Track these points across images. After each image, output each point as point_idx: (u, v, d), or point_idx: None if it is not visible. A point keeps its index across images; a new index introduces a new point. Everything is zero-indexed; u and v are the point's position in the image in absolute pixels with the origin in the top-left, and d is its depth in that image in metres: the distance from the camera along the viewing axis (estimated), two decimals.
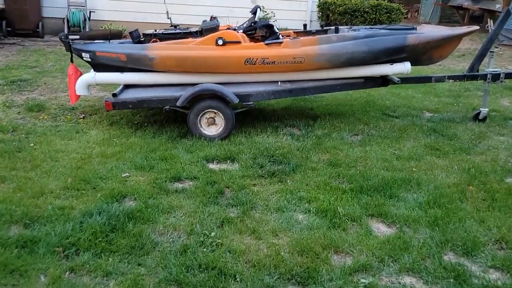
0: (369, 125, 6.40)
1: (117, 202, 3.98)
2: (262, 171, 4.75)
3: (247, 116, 6.36)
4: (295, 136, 5.82)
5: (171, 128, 6.00)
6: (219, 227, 3.68)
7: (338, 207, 4.01)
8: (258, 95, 5.74)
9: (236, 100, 5.51)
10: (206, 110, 5.56)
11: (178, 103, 5.48)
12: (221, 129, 5.62)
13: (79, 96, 6.20)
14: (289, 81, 6.04)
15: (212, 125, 5.63)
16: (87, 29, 12.50)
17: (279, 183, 4.52)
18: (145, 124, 6.17)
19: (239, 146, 5.40)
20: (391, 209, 4.06)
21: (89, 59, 5.95)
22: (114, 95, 5.61)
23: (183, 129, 5.91)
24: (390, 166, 4.99)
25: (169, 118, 6.32)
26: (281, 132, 5.92)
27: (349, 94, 7.89)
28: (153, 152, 5.15)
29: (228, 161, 5.00)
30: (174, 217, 3.82)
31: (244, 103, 5.69)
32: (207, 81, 5.90)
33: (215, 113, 5.60)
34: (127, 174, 4.59)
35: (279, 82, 5.92)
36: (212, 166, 4.91)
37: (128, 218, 3.66)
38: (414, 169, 4.94)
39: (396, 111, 7.18)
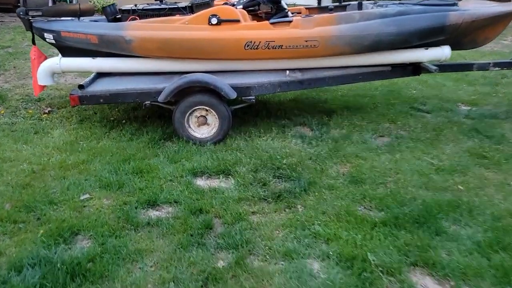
0: (396, 123, 5.24)
1: (63, 244, 2.91)
2: (264, 191, 3.64)
3: (247, 112, 5.23)
4: (306, 138, 4.68)
5: (154, 126, 4.89)
6: (201, 287, 2.60)
7: (368, 253, 2.91)
8: (261, 88, 4.59)
9: (233, 95, 4.37)
10: (196, 107, 4.43)
11: (160, 98, 4.36)
12: (214, 130, 4.50)
13: (44, 86, 5.06)
14: (299, 70, 4.88)
15: (203, 125, 4.50)
16: (65, 4, 11.25)
17: (287, 210, 3.42)
18: (123, 121, 5.05)
19: (236, 153, 4.28)
20: (440, 253, 2.97)
21: (53, 41, 4.81)
22: (81, 87, 4.48)
23: (168, 129, 4.80)
24: (430, 182, 3.87)
25: (153, 113, 5.20)
26: (289, 134, 4.79)
27: (369, 82, 6.67)
28: (126, 162, 4.05)
29: (221, 176, 3.89)
30: (139, 268, 2.74)
31: (243, 98, 4.55)
32: (197, 69, 4.76)
33: (206, 110, 4.47)
34: (87, 195, 3.51)
35: (287, 72, 4.76)
36: (200, 182, 3.81)
37: (72, 275, 2.58)
38: (461, 187, 3.81)
39: (426, 103, 6.00)
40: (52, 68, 4.87)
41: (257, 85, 4.57)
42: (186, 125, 4.47)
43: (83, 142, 4.49)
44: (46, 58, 5.09)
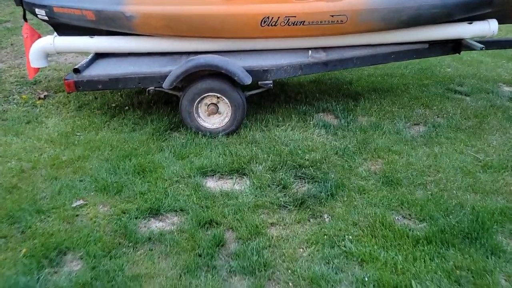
0: (431, 108, 4.65)
1: (49, 267, 2.46)
2: (285, 196, 3.14)
3: (263, 96, 4.68)
4: (330, 128, 4.13)
5: (160, 114, 4.37)
6: None
7: (412, 280, 2.40)
8: (279, 71, 4.02)
9: (248, 80, 3.82)
10: (206, 94, 3.89)
11: (164, 85, 3.82)
12: (226, 120, 3.97)
13: (38, 68, 4.55)
14: (323, 49, 4.29)
15: (214, 114, 3.97)
16: None
17: (312, 221, 2.92)
18: (125, 108, 4.54)
19: (251, 146, 3.76)
20: (498, 279, 2.45)
21: (45, 17, 4.26)
22: (77, 71, 3.96)
23: (175, 117, 4.28)
24: (477, 184, 3.32)
25: (159, 98, 4.68)
26: (311, 122, 4.23)
27: None
28: (127, 158, 3.56)
29: (234, 176, 3.39)
30: None
31: (259, 82, 3.98)
32: (208, 49, 4.20)
33: (218, 98, 3.93)
34: (80, 202, 3.04)
35: (310, 52, 4.16)
36: (210, 184, 3.31)
37: None
38: None
39: (463, 84, 5.36)
40: (45, 48, 4.34)
41: (275, 67, 4.00)
42: (195, 115, 3.94)
43: (80, 133, 4.01)
44: (39, 36, 4.55)
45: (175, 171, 3.38)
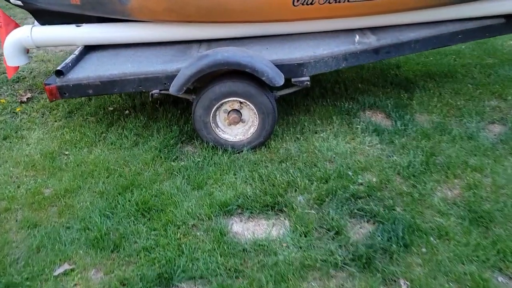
0: (506, 98, 3.72)
1: None
2: (341, 247, 2.32)
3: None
4: (384, 134, 3.24)
5: (168, 120, 3.53)
6: None
7: None
8: (318, 64, 3.10)
9: (280, 81, 2.93)
10: (226, 100, 3.01)
11: (172, 91, 2.95)
12: (252, 130, 3.11)
13: (18, 66, 3.69)
14: (372, 32, 3.35)
15: (236, 123, 3.09)
16: None
17: None
18: (125, 112, 3.69)
19: (286, 166, 2.92)
20: None
21: (19, 2, 3.38)
22: (59, 73, 3.09)
23: (187, 124, 3.44)
24: None
25: (166, 96, 3.79)
26: (358, 126, 3.35)
27: None
28: (127, 190, 2.75)
29: (269, 214, 2.55)
30: None
31: (293, 80, 3.09)
32: (224, 35, 3.32)
33: (241, 103, 3.05)
34: (65, 266, 2.26)
35: (357, 36, 3.21)
36: (237, 228, 2.49)
37: None
38: None
39: None
40: (21, 41, 3.47)
41: (312, 59, 3.08)
42: (212, 125, 3.08)
43: (69, 151, 3.18)
44: (16, 26, 3.67)
45: (190, 210, 2.56)
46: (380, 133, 3.25)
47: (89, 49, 3.52)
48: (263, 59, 2.94)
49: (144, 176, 2.88)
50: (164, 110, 3.64)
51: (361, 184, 2.77)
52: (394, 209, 2.53)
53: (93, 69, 3.19)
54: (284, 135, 3.28)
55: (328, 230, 2.42)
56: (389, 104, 3.61)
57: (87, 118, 3.60)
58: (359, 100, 3.71)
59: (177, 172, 2.91)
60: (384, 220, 2.45)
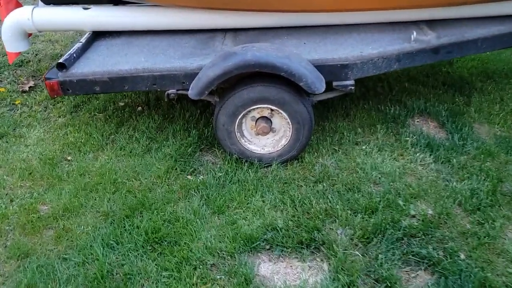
0: None
1: None
2: None
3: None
4: (440, 150, 2.75)
5: (186, 121, 3.09)
6: None
7: None
8: (366, 66, 2.60)
9: (321, 87, 2.44)
10: (254, 107, 2.53)
11: (191, 94, 2.49)
12: (284, 142, 2.64)
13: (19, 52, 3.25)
14: (429, 26, 2.80)
15: (265, 134, 2.62)
16: None
17: None
18: (138, 109, 3.24)
19: (323, 188, 2.46)
20: None
21: None
22: (62, 66, 2.64)
23: (207, 128, 2.99)
24: None
25: (184, 95, 3.33)
26: (408, 139, 2.85)
27: None
28: (136, 212, 2.33)
29: (303, 254, 2.12)
30: None
31: (335, 84, 2.59)
32: (254, 24, 2.82)
33: (272, 110, 2.57)
34: None
35: (414, 33, 2.67)
36: (265, 271, 2.07)
37: None
38: None
39: None
40: (21, 24, 3.02)
41: (359, 60, 2.57)
42: (237, 134, 2.62)
43: (71, 157, 2.77)
44: (18, 5, 3.22)
45: (209, 244, 2.13)
46: (434, 149, 2.75)
47: (97, 35, 3.06)
48: (302, 60, 2.44)
49: (156, 194, 2.46)
50: (182, 108, 3.19)
51: (414, 216, 2.30)
52: (457, 255, 2.06)
53: (100, 62, 2.73)
54: (320, 146, 2.80)
55: (377, 282, 1.97)
56: (443, 111, 3.09)
57: (94, 115, 3.17)
58: (406, 104, 3.19)
59: (194, 190, 2.48)
60: (447, 272, 1.99)
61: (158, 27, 2.98)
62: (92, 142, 2.88)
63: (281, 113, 2.55)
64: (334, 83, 2.60)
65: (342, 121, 3.05)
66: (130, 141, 2.89)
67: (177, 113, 3.15)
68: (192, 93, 2.45)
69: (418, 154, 2.71)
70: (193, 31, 2.99)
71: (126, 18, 2.96)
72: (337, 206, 2.33)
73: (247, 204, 2.38)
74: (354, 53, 2.58)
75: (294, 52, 2.52)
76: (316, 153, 2.75)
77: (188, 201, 2.41)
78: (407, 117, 3.07)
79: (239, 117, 2.55)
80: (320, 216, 2.28)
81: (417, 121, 3.06)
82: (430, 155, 2.71)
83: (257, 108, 2.54)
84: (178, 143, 2.84)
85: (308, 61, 2.47)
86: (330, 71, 2.56)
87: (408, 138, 2.84)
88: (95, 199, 2.44)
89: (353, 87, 2.59)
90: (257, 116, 2.60)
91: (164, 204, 2.39)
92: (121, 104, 3.28)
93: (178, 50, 2.80)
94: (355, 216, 2.28)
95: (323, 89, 2.44)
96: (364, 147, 2.80)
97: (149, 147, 2.84)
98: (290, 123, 2.56)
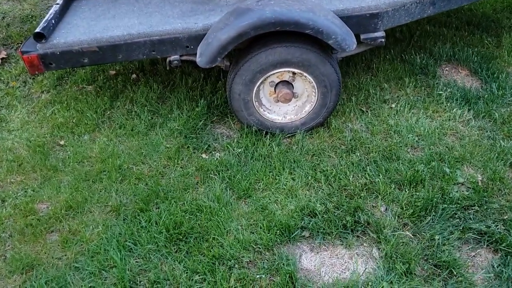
0: None
1: None
2: None
3: None
4: (478, 103, 2.48)
5: (190, 88, 2.72)
6: None
7: None
8: (398, 13, 2.25)
9: (352, 45, 2.09)
10: (275, 71, 2.18)
11: (200, 62, 2.11)
12: (308, 108, 2.33)
13: None
14: None
15: (287, 101, 2.29)
16: None
17: None
18: (132, 77, 2.85)
19: (357, 159, 2.20)
20: None
21: None
22: (40, 36, 2.21)
23: (218, 94, 2.63)
24: None
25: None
26: (442, 93, 2.56)
27: None
28: (151, 203, 2.03)
29: (348, 240, 1.87)
30: None
31: (362, 37, 2.24)
32: None
33: (294, 74, 2.22)
34: None
35: None
36: (307, 263, 1.83)
37: None
38: None
39: None
40: None
41: (391, 7, 2.21)
42: (255, 104, 2.28)
43: (65, 140, 2.41)
44: None
45: (241, 237, 1.87)
46: (472, 103, 2.47)
47: None
48: (328, 13, 2.07)
49: (170, 179, 2.16)
50: (182, 73, 2.81)
51: (462, 184, 2.06)
52: None
53: (85, 27, 2.31)
54: (345, 107, 2.50)
55: (437, 267, 1.75)
56: (473, 56, 2.78)
57: (83, 88, 2.78)
58: (432, 51, 2.87)
59: (213, 172, 2.18)
60: (508, 246, 1.77)
61: None
62: (86, 122, 2.51)
63: (305, 76, 2.21)
64: (362, 36, 2.25)
65: (365, 75, 2.73)
66: (129, 117, 2.53)
67: (178, 79, 2.78)
68: (202, 60, 2.08)
69: (455, 110, 2.44)
70: None
71: None
72: (377, 179, 2.07)
73: (275, 184, 2.10)
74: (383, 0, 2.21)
75: (317, 3, 2.14)
76: (342, 117, 2.45)
77: (209, 186, 2.12)
78: (435, 66, 2.76)
79: (257, 84, 2.20)
80: (361, 193, 2.02)
81: (446, 70, 2.76)
82: (469, 109, 2.44)
83: (277, 72, 2.19)
84: (185, 116, 2.49)
85: (334, 14, 2.10)
86: (358, 23, 2.20)
87: (441, 92, 2.54)
88: (101, 192, 2.12)
89: (383, 40, 2.25)
90: (277, 80, 2.26)
91: (182, 192, 2.09)
92: (112, 72, 2.88)
93: (175, 6, 2.39)
94: (400, 190, 2.03)
95: (355, 46, 2.09)
96: (394, 105, 2.50)
97: (153, 123, 2.49)
98: (315, 87, 2.23)
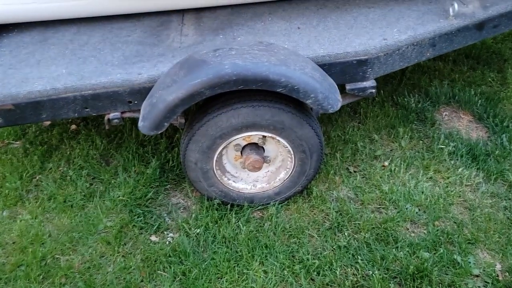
0: None
1: None
2: None
3: None
4: (488, 161, 2.05)
5: (140, 143, 2.24)
6: None
7: None
8: (391, 58, 1.81)
9: (336, 104, 1.63)
10: (239, 136, 1.71)
11: (143, 128, 1.62)
12: (283, 175, 1.89)
13: None
14: None
15: (256, 169, 1.82)
16: None
17: None
18: (72, 128, 2.36)
19: (344, 241, 1.76)
20: None
21: None
22: None
23: (174, 152, 2.16)
24: None
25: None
26: (444, 148, 2.13)
27: None
28: None
29: None
30: None
31: (348, 87, 1.79)
32: (222, 1, 1.96)
33: (264, 137, 1.76)
34: None
35: (454, 4, 1.87)
36: None
37: None
38: None
39: None
40: None
41: (383, 52, 1.78)
42: (216, 172, 1.81)
43: None
44: None
45: None
46: (480, 160, 2.05)
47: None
48: (306, 64, 1.62)
49: (107, 276, 1.67)
50: (132, 123, 2.32)
51: (478, 276, 1.63)
52: None
53: (0, 78, 1.82)
54: (328, 167, 2.06)
55: None
56: (477, 98, 2.38)
57: (9, 144, 2.27)
58: (428, 91, 2.46)
59: (163, 264, 1.70)
60: None
61: (86, 12, 2.06)
62: (7, 191, 2.01)
63: (278, 140, 1.75)
64: (348, 86, 1.81)
65: (351, 123, 2.29)
66: (63, 184, 2.04)
67: (127, 130, 2.29)
68: (144, 126, 1.61)
69: (461, 170, 2.02)
70: (137, 15, 2.09)
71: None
72: (372, 274, 1.62)
73: (243, 281, 1.64)
74: (375, 42, 1.78)
75: (292, 50, 1.69)
76: (325, 181, 2.01)
77: (156, 285, 1.64)
78: (433, 111, 2.34)
79: (218, 151, 1.74)
80: None
81: (446, 115, 2.35)
82: (477, 169, 2.02)
83: (243, 136, 1.73)
84: (132, 182, 2.01)
85: (313, 64, 1.65)
86: (343, 71, 1.77)
87: (443, 146, 2.12)
88: None
89: (374, 90, 1.82)
90: (243, 143, 1.80)
91: None
92: (47, 123, 2.38)
93: (117, 48, 1.91)
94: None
95: (340, 105, 1.65)
96: (386, 163, 2.07)
97: (92, 191, 2.00)
98: (292, 152, 1.77)
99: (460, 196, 1.92)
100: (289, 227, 1.82)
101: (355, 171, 2.06)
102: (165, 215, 1.91)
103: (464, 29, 1.91)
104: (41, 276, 1.68)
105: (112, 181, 2.04)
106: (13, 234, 1.83)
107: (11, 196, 1.98)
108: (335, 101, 1.62)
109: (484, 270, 1.64)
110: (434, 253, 1.68)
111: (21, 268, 1.71)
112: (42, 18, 2.08)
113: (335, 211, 1.87)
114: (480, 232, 1.76)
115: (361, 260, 1.68)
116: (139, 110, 1.74)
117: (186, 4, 2.03)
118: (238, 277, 1.65)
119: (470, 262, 1.66)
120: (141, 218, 1.87)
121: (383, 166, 2.07)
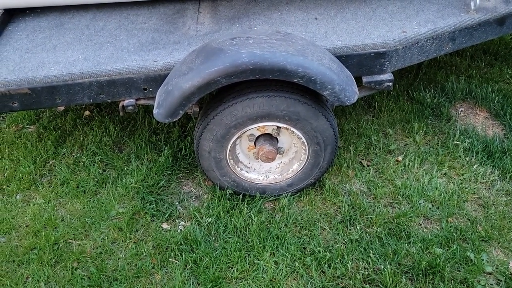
0: None
1: None
2: None
3: None
4: (503, 158, 2.05)
5: (153, 131, 2.24)
6: None
7: None
8: (409, 51, 1.79)
9: (353, 97, 1.61)
10: (254, 126, 1.70)
11: (158, 115, 1.62)
12: (296, 167, 1.88)
13: None
14: None
15: (269, 160, 1.81)
16: None
17: None
18: (85, 114, 2.37)
19: (356, 235, 1.75)
20: None
21: None
22: None
23: (186, 141, 2.16)
24: None
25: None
26: (460, 144, 2.10)
27: None
28: None
29: None
30: None
31: (364, 80, 1.77)
32: None
33: (279, 127, 1.75)
34: None
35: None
36: None
37: None
38: None
39: None
40: None
41: (402, 44, 1.75)
42: (230, 162, 1.81)
43: None
44: None
45: None
46: (496, 157, 2.03)
47: (12, 16, 2.11)
48: (324, 55, 1.60)
49: (119, 262, 1.68)
50: (146, 111, 2.32)
51: (490, 274, 1.61)
52: None
53: (17, 62, 1.82)
54: (341, 160, 2.04)
55: None
56: (494, 94, 2.34)
57: (23, 128, 2.28)
58: (444, 86, 2.42)
59: (175, 252, 1.70)
60: None
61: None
62: (21, 176, 2.02)
63: (292, 131, 1.74)
64: (365, 79, 1.79)
65: (365, 116, 2.27)
66: (76, 169, 2.05)
67: (140, 118, 2.29)
68: (159, 113, 1.60)
69: (476, 167, 1.99)
70: (153, 2, 2.09)
71: None
72: (384, 267, 1.62)
73: (253, 271, 1.64)
74: (393, 35, 1.76)
75: (309, 41, 1.67)
76: (338, 174, 1.99)
77: (167, 273, 1.65)
78: (449, 107, 2.31)
79: (232, 140, 1.73)
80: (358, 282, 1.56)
81: (462, 111, 2.31)
82: (493, 167, 2.00)
83: (257, 126, 1.72)
84: (144, 169, 2.02)
85: (331, 55, 1.64)
86: (360, 63, 1.75)
87: (458, 143, 2.09)
88: (26, 281, 1.64)
89: (390, 84, 1.79)
90: (257, 134, 1.79)
91: (132, 281, 1.62)
92: (61, 108, 2.39)
93: (133, 35, 1.90)
94: (413, 284, 1.58)
95: (356, 98, 1.63)
96: (400, 158, 2.05)
97: (104, 178, 2.01)
98: (306, 143, 1.76)
99: (474, 193, 1.90)
100: (301, 219, 1.81)
101: (368, 165, 2.04)
102: (177, 203, 1.91)
103: (485, 23, 1.88)
104: (53, 260, 1.69)
105: (125, 168, 2.04)
106: (27, 217, 1.85)
107: (25, 180, 2.00)
108: (352, 94, 1.61)
109: (497, 268, 1.63)
110: (447, 250, 1.67)
111: (34, 251, 1.72)
112: (58, 3, 2.08)
113: (348, 205, 1.86)
114: (494, 229, 1.75)
115: (373, 254, 1.67)
116: (154, 97, 1.74)
117: None
118: (249, 267, 1.65)
119: (483, 260, 1.65)
120: (153, 205, 1.88)
121: (397, 160, 2.06)
